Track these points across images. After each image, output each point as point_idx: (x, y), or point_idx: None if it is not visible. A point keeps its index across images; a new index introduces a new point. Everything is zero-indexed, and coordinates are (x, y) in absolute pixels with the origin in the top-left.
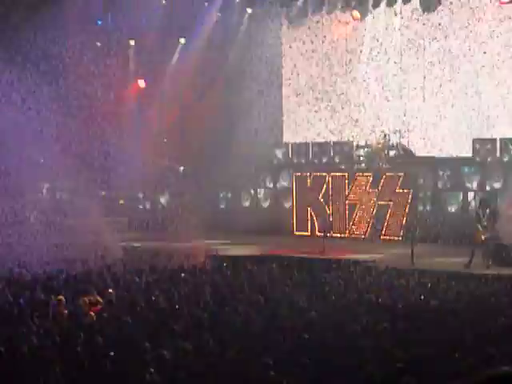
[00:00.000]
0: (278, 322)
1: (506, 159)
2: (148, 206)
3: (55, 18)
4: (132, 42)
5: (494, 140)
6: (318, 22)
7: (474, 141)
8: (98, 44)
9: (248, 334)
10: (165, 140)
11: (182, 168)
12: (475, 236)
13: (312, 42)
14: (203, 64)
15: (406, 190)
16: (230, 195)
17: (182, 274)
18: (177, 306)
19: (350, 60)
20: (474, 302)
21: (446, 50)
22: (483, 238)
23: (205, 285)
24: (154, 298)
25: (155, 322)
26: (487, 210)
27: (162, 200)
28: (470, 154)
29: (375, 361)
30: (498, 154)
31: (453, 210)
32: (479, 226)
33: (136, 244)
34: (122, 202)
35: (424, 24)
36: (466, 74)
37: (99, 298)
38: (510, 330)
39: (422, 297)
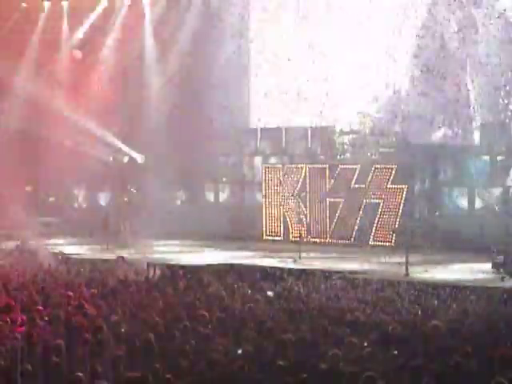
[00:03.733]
0: (243, 346)
1: None
2: (85, 204)
3: None
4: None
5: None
6: None
7: (482, 125)
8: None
9: (207, 361)
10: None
11: (142, 157)
12: None
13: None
14: (157, 30)
15: (399, 186)
16: (186, 191)
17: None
18: (122, 330)
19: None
20: (484, 321)
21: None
22: None
23: (154, 301)
24: (91, 317)
25: (93, 346)
26: None
27: (102, 197)
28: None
29: None
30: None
31: (457, 210)
32: None
33: (69, 251)
34: (52, 199)
35: None
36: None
37: (24, 317)
38: None
39: (419, 313)
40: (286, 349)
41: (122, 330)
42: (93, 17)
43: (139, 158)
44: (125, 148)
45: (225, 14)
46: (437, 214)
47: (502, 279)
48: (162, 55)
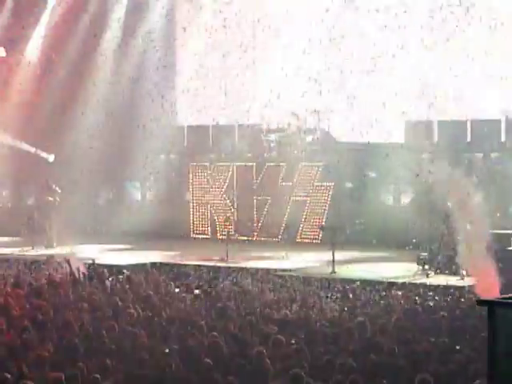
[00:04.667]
0: (172, 345)
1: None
2: (10, 204)
3: None
4: None
5: (431, 122)
6: None
7: (407, 123)
8: None
9: (135, 360)
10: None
11: (51, 156)
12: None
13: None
14: (78, 30)
15: (326, 184)
16: (111, 190)
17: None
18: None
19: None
20: (408, 317)
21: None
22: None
23: (79, 301)
24: (16, 318)
25: (18, 347)
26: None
27: (26, 197)
28: (401, 140)
29: None
30: (435, 138)
31: (383, 207)
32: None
33: None
34: None
35: None
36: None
37: None
38: (449, 351)
39: (345, 310)
40: (214, 347)
41: (49, 330)
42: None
43: (49, 157)
44: (29, 148)
45: (151, 13)
46: (358, 221)
47: (427, 276)
48: (86, 53)
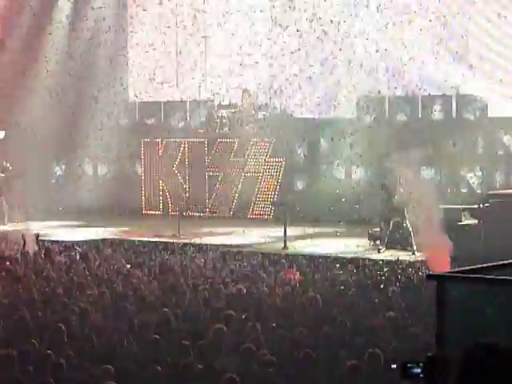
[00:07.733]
0: (125, 321)
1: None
2: None
3: None
4: None
5: (383, 98)
6: None
7: (359, 99)
8: None
9: (87, 337)
10: None
11: (2, 133)
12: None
13: None
14: (29, 6)
15: (278, 159)
16: (63, 167)
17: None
18: None
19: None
20: (360, 292)
21: None
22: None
23: (31, 278)
24: None
25: None
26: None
27: None
28: (354, 115)
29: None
30: (387, 114)
31: (335, 182)
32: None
33: None
34: None
35: None
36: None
37: None
38: (396, 325)
39: (297, 285)
40: (168, 323)
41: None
42: None
43: (0, 134)
44: None
45: None
46: (309, 197)
47: (379, 251)
48: (37, 29)
